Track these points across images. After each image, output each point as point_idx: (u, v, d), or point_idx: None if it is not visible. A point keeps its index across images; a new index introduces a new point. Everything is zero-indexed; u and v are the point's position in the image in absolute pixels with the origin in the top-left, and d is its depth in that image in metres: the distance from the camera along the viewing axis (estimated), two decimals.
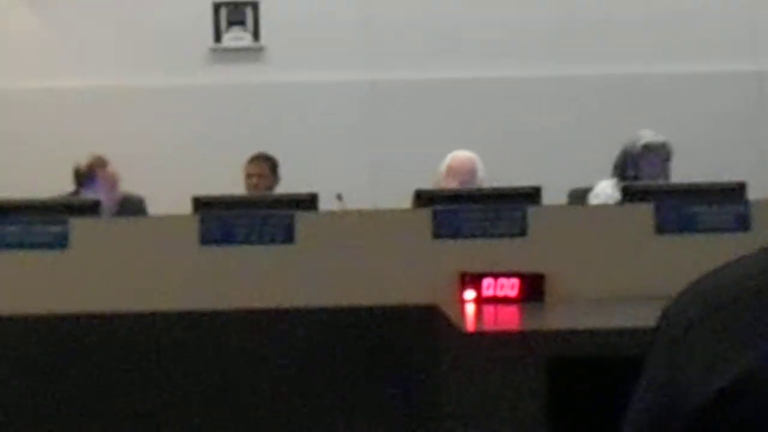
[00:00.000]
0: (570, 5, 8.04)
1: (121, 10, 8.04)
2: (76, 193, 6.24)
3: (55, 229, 4.49)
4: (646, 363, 1.06)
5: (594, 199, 5.93)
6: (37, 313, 4.42)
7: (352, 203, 6.12)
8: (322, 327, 4.44)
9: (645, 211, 4.56)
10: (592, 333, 3.56)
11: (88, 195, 5.95)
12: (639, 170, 5.96)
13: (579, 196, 6.10)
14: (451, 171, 6.13)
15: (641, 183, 5.69)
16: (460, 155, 6.21)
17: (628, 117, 7.23)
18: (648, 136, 6.10)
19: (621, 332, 3.50)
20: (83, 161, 6.32)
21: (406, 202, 5.13)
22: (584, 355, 3.45)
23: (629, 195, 5.09)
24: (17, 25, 8.06)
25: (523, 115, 7.95)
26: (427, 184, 5.57)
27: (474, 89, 7.98)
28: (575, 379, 3.47)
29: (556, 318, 4.18)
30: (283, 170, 7.05)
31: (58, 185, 6.32)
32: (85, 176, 6.24)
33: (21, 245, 4.49)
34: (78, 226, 4.52)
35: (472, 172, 6.11)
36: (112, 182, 6.27)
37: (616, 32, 8.00)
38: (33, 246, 4.49)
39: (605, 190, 5.90)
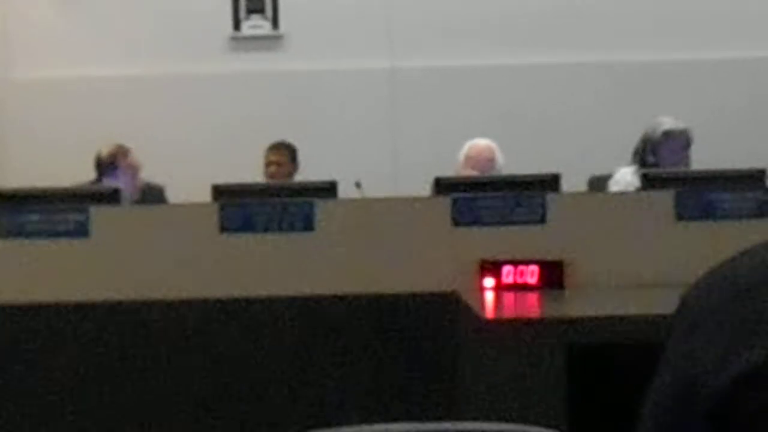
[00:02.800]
0: None
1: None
2: (97, 181, 6.26)
3: (77, 217, 4.52)
4: (665, 349, 1.07)
5: (614, 186, 5.92)
6: (59, 301, 4.45)
7: (372, 191, 6.12)
8: (343, 314, 4.45)
9: (665, 198, 4.55)
10: (611, 320, 3.56)
11: (110, 183, 5.97)
12: (659, 157, 5.95)
13: (599, 184, 6.09)
14: (470, 160, 6.12)
15: (661, 170, 5.68)
16: (478, 144, 6.21)
17: (647, 104, 7.21)
18: (668, 122, 6.08)
19: (640, 319, 3.51)
20: (105, 150, 6.33)
21: (426, 190, 5.13)
22: (604, 341, 3.45)
23: (649, 182, 5.08)
24: (38, 14, 8.08)
25: (543, 102, 7.94)
26: (447, 172, 5.56)
27: (494, 76, 7.97)
28: (595, 365, 3.48)
29: (576, 305, 4.18)
30: (302, 158, 7.06)
31: (80, 174, 6.34)
32: (106, 165, 6.26)
33: (43, 234, 4.52)
34: (99, 214, 4.54)
35: (490, 160, 6.10)
36: (134, 171, 6.28)
37: (636, 18, 7.98)
38: (54, 234, 4.52)
39: (625, 177, 5.89)
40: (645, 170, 5.60)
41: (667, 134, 6.00)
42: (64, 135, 7.77)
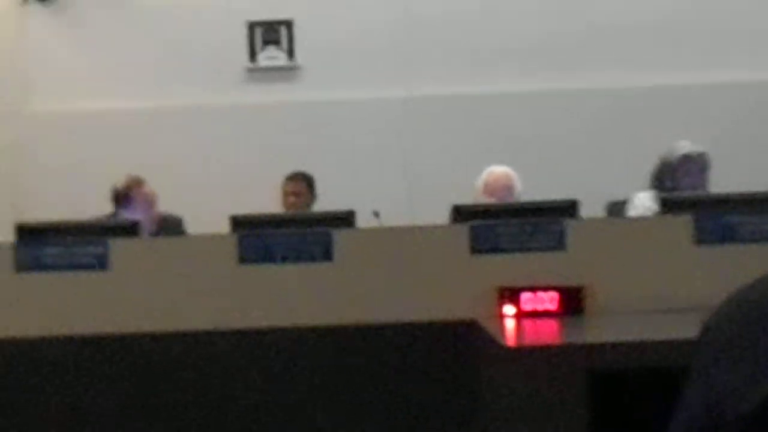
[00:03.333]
0: (603, 17, 8.02)
1: (157, 31, 8.10)
2: (115, 214, 6.28)
3: (96, 250, 4.52)
4: (690, 375, 1.06)
5: (632, 211, 5.91)
6: (79, 334, 4.45)
7: (389, 220, 6.12)
8: (362, 344, 4.44)
9: (684, 222, 4.54)
10: (633, 345, 3.54)
11: (127, 215, 5.99)
12: (677, 181, 5.94)
13: (617, 209, 6.08)
14: (488, 187, 6.12)
15: (680, 194, 5.67)
16: (496, 171, 6.21)
17: (665, 128, 7.21)
18: (685, 146, 6.08)
19: (662, 344, 3.49)
20: (120, 182, 6.35)
21: (443, 218, 5.13)
22: (625, 367, 3.44)
23: (668, 206, 5.07)
24: (55, 48, 8.13)
25: (558, 128, 7.94)
26: (464, 200, 5.56)
27: (509, 103, 7.97)
28: (617, 391, 3.46)
29: (597, 331, 4.16)
30: (319, 188, 7.07)
31: (98, 206, 6.36)
32: (122, 197, 6.28)
33: (62, 267, 4.52)
34: (118, 246, 4.55)
35: (508, 187, 6.10)
36: (149, 201, 6.30)
37: (652, 43, 7.98)
38: (74, 267, 4.52)
39: (643, 202, 5.88)
40: (663, 194, 5.59)
41: (685, 158, 5.99)
42: (82, 168, 7.80)
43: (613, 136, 7.86)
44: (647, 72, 7.94)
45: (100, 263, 4.51)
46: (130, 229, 4.87)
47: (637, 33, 8.00)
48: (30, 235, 4.76)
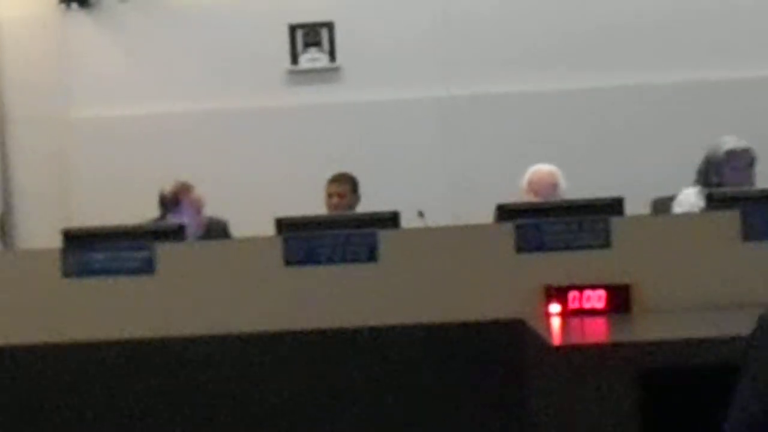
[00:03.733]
0: (646, 12, 7.97)
1: (199, 35, 8.12)
2: (161, 218, 6.30)
3: (142, 254, 4.55)
4: (745, 370, 1.05)
5: (678, 207, 5.87)
6: (126, 338, 4.47)
7: (434, 220, 6.11)
8: (408, 344, 4.44)
9: (731, 218, 4.50)
10: (681, 343, 3.52)
11: (174, 220, 6.00)
12: (723, 177, 5.89)
13: (663, 205, 6.04)
14: (533, 186, 6.10)
15: (726, 189, 5.62)
16: (541, 170, 6.18)
17: (710, 123, 7.16)
18: (731, 141, 6.02)
19: (711, 342, 3.46)
20: (168, 187, 6.37)
21: (488, 217, 5.11)
22: (674, 365, 3.41)
23: (714, 202, 5.02)
24: (98, 53, 8.17)
25: (603, 126, 7.90)
26: (508, 198, 5.54)
27: (552, 101, 7.94)
28: (666, 389, 3.43)
29: (645, 329, 4.14)
30: (363, 189, 7.07)
31: (144, 211, 6.39)
32: (170, 202, 6.30)
33: (108, 272, 4.55)
34: (164, 251, 4.57)
35: (553, 186, 6.08)
36: (197, 207, 6.31)
37: (696, 38, 7.93)
38: (120, 272, 4.55)
39: (689, 198, 5.83)
40: (709, 190, 5.54)
41: (730, 153, 5.94)
42: (126, 173, 7.84)
43: (659, 132, 7.82)
44: (693, 67, 7.89)
45: (147, 268, 4.53)
46: (176, 234, 4.88)
47: (683, 28, 7.94)
48: (76, 240, 4.78)
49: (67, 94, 8.14)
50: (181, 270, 4.55)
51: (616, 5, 8.01)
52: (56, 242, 4.85)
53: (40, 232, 7.59)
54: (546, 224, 4.50)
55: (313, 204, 6.79)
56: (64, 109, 8.12)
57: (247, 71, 8.07)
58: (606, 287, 4.34)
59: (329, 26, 8.13)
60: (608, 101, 7.92)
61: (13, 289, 4.55)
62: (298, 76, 8.13)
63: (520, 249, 4.48)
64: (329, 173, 7.10)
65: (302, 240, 4.52)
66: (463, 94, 8.00)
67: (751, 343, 1.05)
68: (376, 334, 4.44)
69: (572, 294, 4.34)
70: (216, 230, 6.37)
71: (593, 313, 4.31)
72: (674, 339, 3.63)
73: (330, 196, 7.00)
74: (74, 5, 8.15)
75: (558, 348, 3.72)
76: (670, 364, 3.44)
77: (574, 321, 4.24)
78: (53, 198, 8.02)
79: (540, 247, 4.48)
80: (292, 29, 8.12)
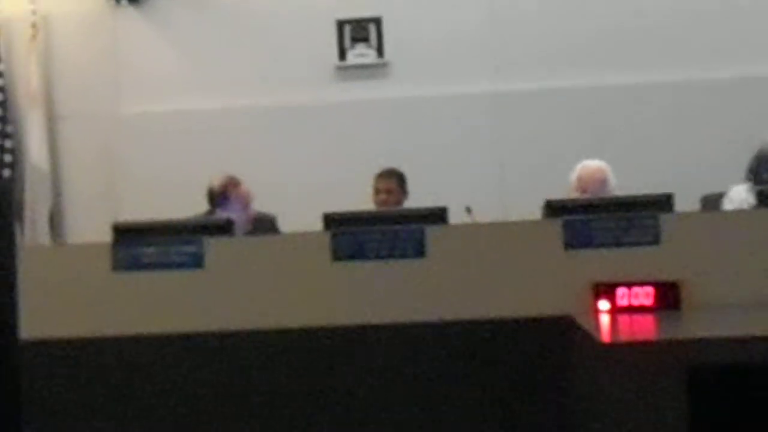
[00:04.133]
0: (694, 6, 7.92)
1: (246, 31, 8.15)
2: (210, 213, 6.32)
3: (190, 249, 4.57)
4: None
5: (728, 204, 5.83)
6: (175, 332, 4.50)
7: (482, 215, 6.10)
8: (456, 340, 4.43)
9: None
10: (732, 340, 3.49)
11: (222, 215, 6.03)
12: None
13: (712, 202, 6.00)
14: (582, 182, 6.07)
15: None
16: (590, 165, 6.15)
17: (760, 119, 7.10)
18: None
19: (761, 339, 3.43)
20: (216, 182, 6.39)
21: (536, 213, 5.10)
22: (725, 362, 3.39)
23: (764, 199, 4.98)
24: (147, 49, 8.22)
25: (653, 121, 7.85)
26: (557, 194, 5.52)
27: (600, 96, 7.91)
28: (716, 387, 3.41)
29: (694, 326, 4.11)
30: (411, 185, 7.06)
31: (192, 206, 6.42)
32: (218, 196, 6.32)
33: (157, 266, 4.58)
34: (212, 245, 4.59)
35: (602, 181, 6.05)
36: (246, 202, 6.34)
37: (747, 33, 7.86)
38: (169, 266, 4.57)
39: (739, 195, 5.79)
40: (760, 187, 5.49)
41: None
42: (175, 168, 7.89)
43: (709, 128, 7.76)
44: (745, 63, 7.82)
45: (196, 262, 4.55)
46: (225, 228, 4.91)
47: (733, 23, 7.88)
48: (126, 235, 4.82)
49: (117, 90, 8.19)
50: (229, 264, 4.57)
51: (666, 0, 7.96)
52: (105, 237, 4.89)
53: (89, 227, 7.65)
54: (595, 221, 4.48)
55: (361, 200, 6.79)
56: (113, 105, 8.18)
57: (295, 67, 8.09)
58: (655, 284, 4.32)
59: (377, 21, 8.13)
60: (659, 96, 7.87)
61: (63, 283, 4.58)
62: (345, 71, 8.14)
63: (568, 245, 4.47)
64: (377, 169, 7.10)
65: (350, 235, 4.53)
66: (512, 90, 7.98)
67: None
68: (424, 329, 4.44)
69: (621, 291, 4.32)
70: (264, 225, 6.39)
71: (642, 310, 4.29)
72: (724, 336, 3.61)
73: (377, 191, 7.00)
74: (124, 1, 8.20)
75: (607, 345, 3.70)
76: (719, 362, 3.42)
77: (623, 318, 4.22)
78: (102, 193, 8.07)
79: (588, 244, 4.46)
80: (340, 25, 8.12)
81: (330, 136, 8.02)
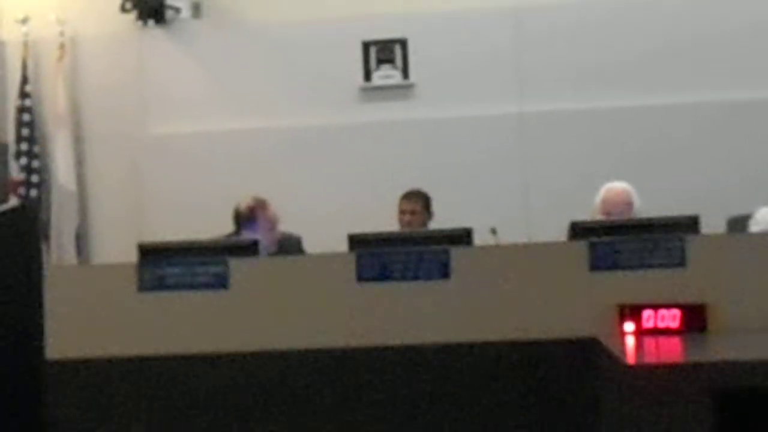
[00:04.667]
0: (719, 28, 7.91)
1: (272, 52, 8.18)
2: (236, 234, 6.34)
3: (216, 269, 4.58)
4: None
5: (754, 226, 5.80)
6: (201, 352, 4.50)
7: (507, 237, 6.09)
8: (481, 362, 4.42)
9: None
10: (758, 364, 3.47)
11: (249, 236, 6.03)
12: None
13: (739, 224, 5.97)
14: (607, 204, 6.06)
15: None
16: (615, 187, 6.14)
17: None
18: None
19: None
20: (243, 203, 6.40)
21: (561, 235, 5.09)
22: (752, 385, 3.37)
23: None
24: (173, 70, 8.25)
25: (678, 142, 7.84)
26: (582, 216, 5.51)
27: (626, 118, 7.90)
28: (743, 410, 3.39)
29: (721, 349, 4.09)
30: (436, 206, 7.06)
31: (218, 226, 6.44)
32: (245, 218, 6.33)
33: (183, 286, 4.58)
34: (238, 266, 4.60)
35: (627, 204, 6.03)
36: (273, 223, 6.34)
37: None
38: (194, 287, 4.58)
39: (765, 217, 5.76)
40: None
41: None
42: (201, 189, 7.91)
43: (734, 149, 7.74)
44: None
45: (221, 282, 4.56)
46: (250, 249, 4.91)
47: (756, 43, 7.86)
48: (152, 255, 4.83)
49: (143, 110, 8.23)
50: (254, 285, 4.58)
51: (692, 22, 7.95)
52: (131, 257, 4.90)
53: (115, 247, 7.67)
54: (620, 242, 4.47)
55: (386, 221, 6.79)
56: (139, 126, 8.21)
57: (321, 88, 8.11)
58: (681, 306, 4.30)
59: (402, 43, 8.15)
60: (684, 118, 7.86)
61: (89, 303, 4.60)
62: (371, 93, 8.16)
63: (593, 267, 4.46)
64: (402, 190, 7.11)
65: (375, 256, 4.53)
66: (537, 111, 7.98)
67: None
68: (449, 351, 4.44)
69: (647, 313, 4.30)
70: (290, 246, 6.40)
71: (668, 332, 4.27)
72: (751, 359, 3.59)
73: (402, 212, 7.00)
74: (151, 22, 8.24)
75: (632, 367, 3.69)
76: (746, 385, 3.40)
77: (649, 340, 4.21)
78: (129, 213, 8.10)
79: (614, 266, 4.45)
80: (366, 46, 8.14)
81: (355, 157, 8.03)
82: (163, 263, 4.62)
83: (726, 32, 7.90)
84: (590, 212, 6.04)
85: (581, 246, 4.50)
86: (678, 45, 7.93)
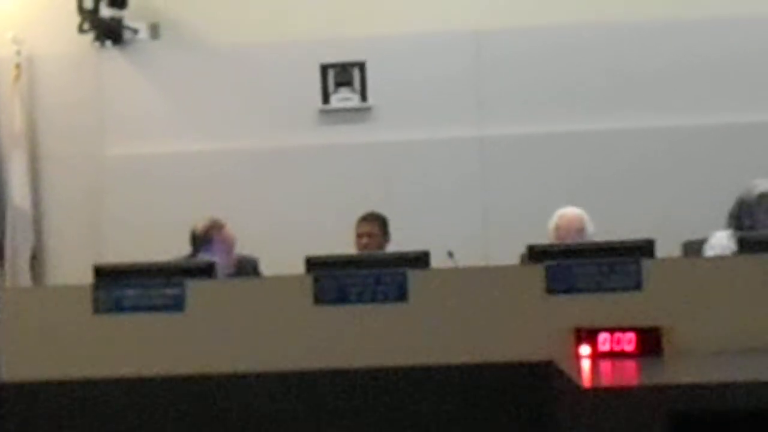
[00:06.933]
0: (678, 55, 7.98)
1: (230, 74, 8.17)
2: (193, 256, 6.31)
3: (172, 291, 4.56)
4: None
5: (710, 250, 5.84)
6: (157, 375, 4.48)
7: (465, 260, 6.11)
8: (438, 385, 4.43)
9: (763, 261, 4.49)
10: (713, 387, 3.49)
11: (205, 258, 6.02)
12: (755, 220, 5.86)
13: (694, 248, 6.01)
14: (560, 230, 6.09)
15: (758, 233, 5.59)
16: (567, 213, 6.17)
17: (742, 166, 7.13)
18: (763, 184, 5.99)
19: (744, 385, 3.44)
20: (199, 225, 6.38)
21: (518, 258, 5.11)
22: (708, 408, 3.39)
23: (746, 245, 5.00)
24: (131, 91, 8.23)
25: (634, 167, 7.89)
26: (541, 239, 5.54)
27: (584, 142, 7.94)
28: None
29: (676, 372, 4.11)
30: (393, 229, 7.07)
31: (175, 248, 6.41)
32: (202, 240, 6.31)
33: (139, 308, 4.56)
34: (194, 288, 4.58)
35: (580, 230, 6.06)
36: (229, 245, 6.33)
37: (729, 81, 7.92)
38: (151, 309, 4.56)
39: (721, 242, 5.80)
40: (741, 234, 5.52)
41: (763, 196, 5.91)
42: (159, 210, 7.88)
43: (690, 174, 7.80)
44: (724, 110, 7.88)
45: (177, 305, 4.54)
46: (207, 271, 4.90)
47: (714, 71, 7.94)
48: (108, 277, 4.81)
49: (101, 131, 8.20)
50: (211, 307, 4.57)
51: (649, 48, 8.01)
52: (87, 279, 4.88)
53: (72, 268, 7.63)
54: (577, 266, 4.49)
55: (343, 243, 6.79)
56: (97, 147, 8.18)
57: (279, 110, 8.11)
58: (637, 330, 4.32)
59: (361, 66, 8.16)
60: (641, 143, 7.91)
61: (44, 325, 4.57)
62: (329, 115, 8.16)
63: (550, 290, 4.47)
64: (360, 212, 7.11)
65: (332, 279, 4.53)
66: (496, 135, 8.01)
67: None
68: (406, 374, 4.44)
69: (603, 336, 4.32)
70: (246, 268, 6.38)
71: (624, 355, 4.29)
72: (706, 382, 3.61)
73: (360, 235, 7.01)
74: (108, 43, 8.22)
75: (588, 390, 3.70)
76: (701, 408, 3.42)
77: (605, 363, 4.22)
78: (85, 235, 8.06)
79: (570, 289, 4.47)
80: (324, 69, 8.15)
81: (313, 180, 8.03)
82: (119, 285, 4.60)
83: (682, 60, 7.97)
84: (545, 235, 6.06)
85: (538, 269, 4.52)
86: (633, 71, 7.99)
